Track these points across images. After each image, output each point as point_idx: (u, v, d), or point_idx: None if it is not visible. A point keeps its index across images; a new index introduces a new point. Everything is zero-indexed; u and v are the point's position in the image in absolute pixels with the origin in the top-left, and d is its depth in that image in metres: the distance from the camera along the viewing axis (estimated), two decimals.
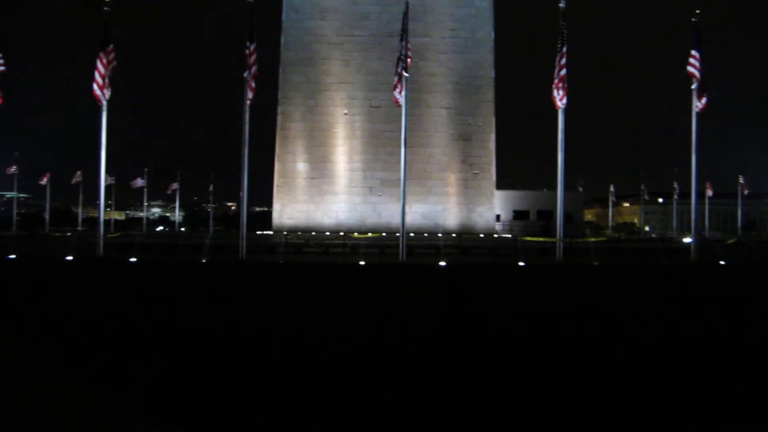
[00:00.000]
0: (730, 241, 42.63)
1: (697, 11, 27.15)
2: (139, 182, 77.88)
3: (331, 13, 51.51)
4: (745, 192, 71.32)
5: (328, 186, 51.39)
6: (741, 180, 70.57)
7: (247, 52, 27.58)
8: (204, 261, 26.69)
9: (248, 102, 28.39)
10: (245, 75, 27.88)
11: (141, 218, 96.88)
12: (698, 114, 27.73)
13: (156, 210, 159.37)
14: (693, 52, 26.69)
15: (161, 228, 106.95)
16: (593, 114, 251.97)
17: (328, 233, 45.81)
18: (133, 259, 25.44)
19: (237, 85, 28.51)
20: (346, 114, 51.37)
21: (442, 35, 51.66)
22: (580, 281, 20.76)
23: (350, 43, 51.49)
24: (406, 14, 27.31)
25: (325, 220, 50.82)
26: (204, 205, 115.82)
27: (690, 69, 26.81)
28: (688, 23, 27.50)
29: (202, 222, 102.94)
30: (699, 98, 27.22)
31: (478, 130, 51.85)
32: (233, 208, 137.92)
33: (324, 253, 33.77)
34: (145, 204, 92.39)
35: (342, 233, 42.41)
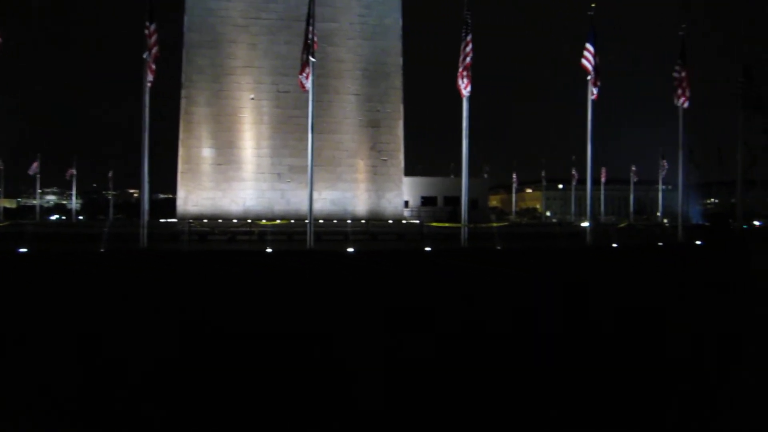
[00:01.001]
0: (622, 225, 45.27)
1: (593, 4, 28.36)
2: (35, 167, 73.54)
3: None
4: (636, 179, 75.84)
5: (234, 172, 50.23)
6: (633, 168, 74.98)
7: (146, 32, 26.41)
8: (102, 251, 25.51)
9: (148, 84, 27.22)
10: (145, 56, 26.71)
11: (34, 206, 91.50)
12: (593, 103, 29.07)
13: (51, 197, 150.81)
14: (587, 45, 27.92)
15: (56, 216, 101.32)
16: (498, 102, 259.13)
17: (235, 221, 44.91)
18: (23, 250, 23.96)
19: (139, 67, 27.27)
20: (252, 99, 50.31)
21: (351, 21, 51.46)
22: (479, 263, 21.38)
23: (257, 26, 50.36)
24: None
25: (232, 207, 49.73)
26: (104, 192, 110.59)
27: (584, 62, 28.04)
28: (586, 15, 28.67)
29: (101, 210, 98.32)
30: (593, 88, 28.55)
31: (386, 117, 52.16)
32: (135, 195, 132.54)
33: (230, 240, 33.12)
34: (39, 191, 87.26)
35: (249, 220, 41.71)
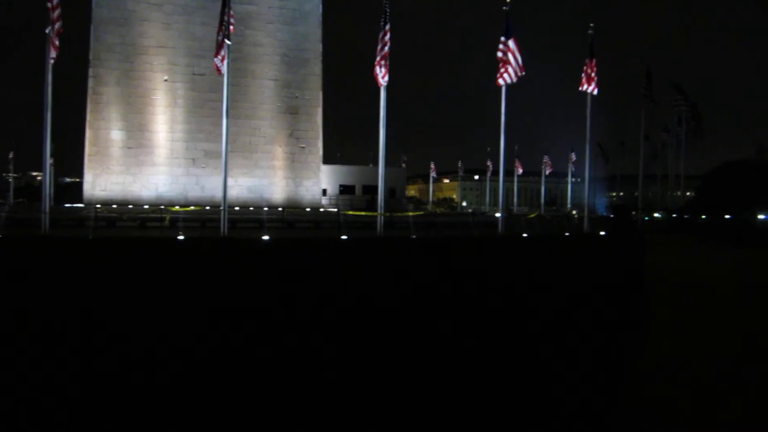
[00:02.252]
0: (532, 216, 46.92)
1: (508, 0, 29.02)
2: None
3: None
4: (548, 171, 78.67)
5: (146, 156, 48.42)
6: (545, 160, 77.68)
7: (49, 5, 24.99)
8: None
9: (51, 61, 25.75)
10: (47, 31, 25.27)
11: None
12: (507, 96, 29.83)
13: None
14: (502, 39, 28.61)
15: None
16: (418, 91, 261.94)
17: (146, 206, 43.38)
18: None
19: (43, 42, 25.72)
20: (166, 80, 48.56)
21: (270, 5, 50.44)
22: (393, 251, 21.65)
23: (171, 4, 48.51)
24: None
25: (144, 192, 47.96)
26: (4, 174, 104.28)
27: (499, 54, 28.74)
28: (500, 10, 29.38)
29: (1, 193, 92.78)
30: (506, 80, 29.27)
31: (305, 103, 51.60)
32: (39, 178, 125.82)
33: (140, 227, 32.02)
34: None
35: (162, 207, 40.42)
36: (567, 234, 31.03)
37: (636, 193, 63.08)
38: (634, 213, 50.92)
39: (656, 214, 67.74)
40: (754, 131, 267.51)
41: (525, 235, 29.37)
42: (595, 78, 32.34)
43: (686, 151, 64.59)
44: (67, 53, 26.30)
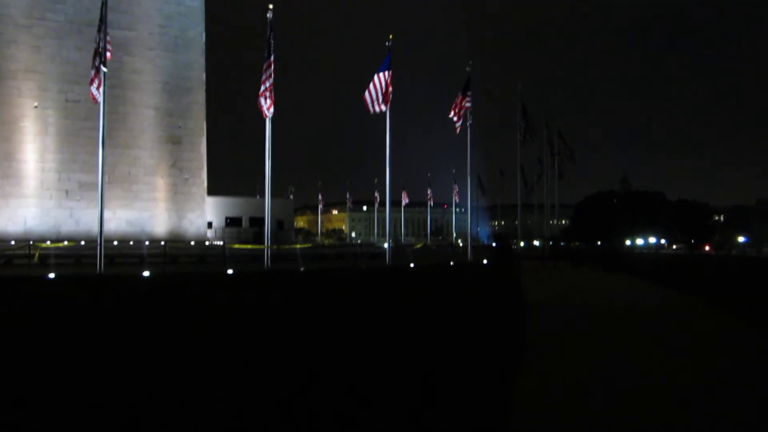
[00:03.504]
0: (418, 246, 48.09)
1: (390, 36, 29.87)
2: None
3: None
4: (432, 203, 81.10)
5: (13, 188, 45.09)
6: (429, 191, 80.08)
7: None
8: None
9: None
10: None
11: None
12: (391, 130, 30.50)
13: None
14: (380, 73, 29.14)
15: None
16: (304, 122, 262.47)
17: (13, 242, 40.22)
18: None
19: None
20: (36, 107, 45.68)
21: (150, 31, 48.95)
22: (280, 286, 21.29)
23: (42, 27, 45.87)
24: (105, 3, 25.20)
25: (10, 226, 44.50)
26: None
27: (374, 84, 29.21)
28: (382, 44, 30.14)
29: None
30: (372, 110, 29.68)
31: (188, 133, 50.21)
32: None
33: (6, 264, 29.64)
34: None
35: (31, 242, 37.61)
36: (452, 264, 31.90)
37: (516, 222, 66.14)
38: (513, 241, 53.24)
39: (535, 242, 71.30)
40: (622, 160, 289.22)
41: (411, 265, 29.88)
42: (462, 112, 34.26)
43: (559, 181, 68.61)
44: None
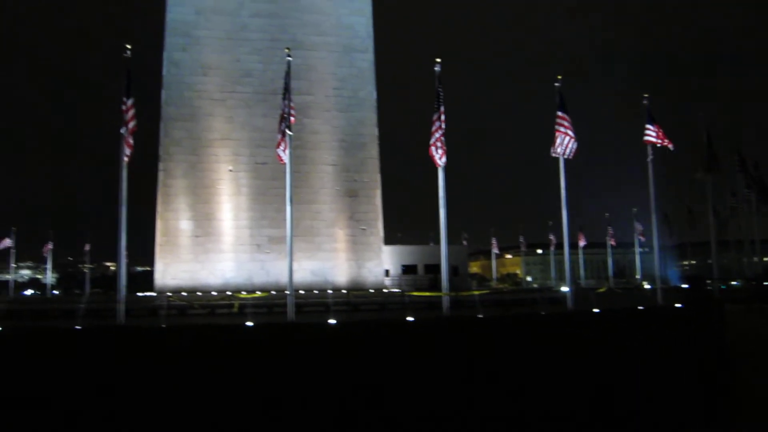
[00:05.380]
0: (602, 290, 45.52)
1: (559, 77, 29.35)
2: (7, 242, 72.75)
3: (213, 69, 51.15)
4: (613, 243, 76.73)
5: (213, 244, 49.93)
6: (610, 231, 76.03)
7: (123, 107, 26.57)
8: (78, 327, 24.80)
9: (126, 159, 27.15)
10: (122, 131, 26.77)
11: (7, 281, 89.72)
12: (566, 168, 29.60)
13: (26, 272, 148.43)
14: (558, 113, 28.74)
15: (31, 292, 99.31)
16: (474, 168, 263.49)
17: (214, 293, 44.25)
18: None
19: (116, 140, 27.21)
20: (230, 170, 50.57)
21: (326, 94, 52.53)
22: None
23: (233, 99, 51.16)
24: (288, 73, 27.50)
25: (211, 279, 49.16)
26: (80, 265, 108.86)
27: (558, 128, 28.78)
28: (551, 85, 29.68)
29: (78, 284, 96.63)
30: (563, 154, 29.14)
31: (364, 186, 52.57)
32: (112, 268, 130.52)
33: (209, 314, 32.53)
34: (13, 266, 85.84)
35: (229, 293, 41.16)
36: (641, 308, 29.77)
37: (709, 261, 60.55)
38: (708, 282, 48.75)
39: (733, 282, 64.59)
40: None
41: (596, 310, 28.35)
42: (661, 139, 31.97)
43: (757, 214, 61.96)
44: (137, 149, 27.59)
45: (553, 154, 29.35)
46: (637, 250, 74.57)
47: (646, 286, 61.44)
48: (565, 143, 28.76)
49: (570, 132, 28.72)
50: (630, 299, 39.11)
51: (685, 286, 38.02)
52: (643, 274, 76.64)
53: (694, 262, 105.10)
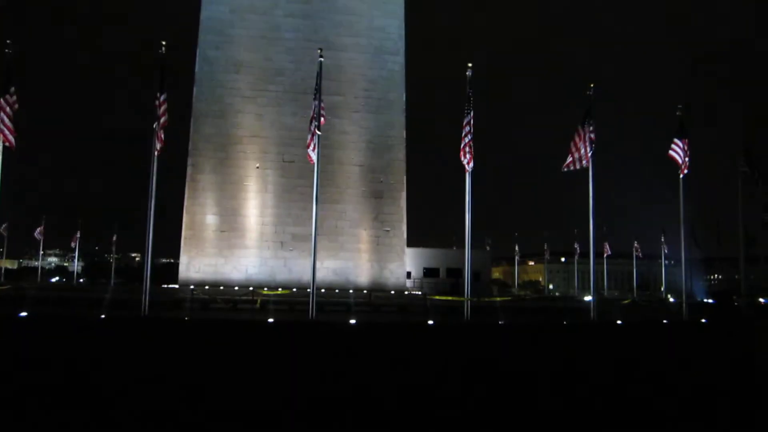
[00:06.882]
0: (626, 302, 45.05)
1: (592, 84, 28.98)
2: (40, 232, 74.53)
3: (245, 67, 51.66)
4: (639, 254, 75.86)
5: (238, 240, 50.41)
6: (635, 244, 75.24)
7: (156, 102, 26.96)
8: (102, 317, 25.24)
9: (156, 153, 27.55)
10: (154, 126, 27.17)
11: (35, 268, 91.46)
12: (594, 177, 29.27)
13: (53, 259, 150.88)
14: (585, 125, 28.39)
15: (57, 279, 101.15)
16: (500, 173, 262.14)
17: (236, 288, 44.65)
18: (23, 314, 23.71)
19: (146, 134, 27.64)
20: (258, 168, 51.00)
21: (356, 95, 52.71)
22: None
23: (264, 97, 51.60)
24: (319, 74, 27.70)
25: (234, 274, 49.63)
26: (106, 255, 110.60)
27: (576, 138, 28.40)
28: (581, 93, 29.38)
29: (103, 273, 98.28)
30: (569, 168, 28.77)
31: (389, 188, 52.63)
32: (137, 259, 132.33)
33: (232, 309, 32.87)
34: (41, 252, 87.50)
35: (251, 288, 41.51)
36: (665, 321, 29.40)
37: (737, 276, 59.54)
38: (735, 297, 47.95)
39: (761, 300, 63.51)
40: None
41: (619, 322, 28.09)
42: (687, 157, 31.23)
43: None
44: (166, 141, 27.97)
45: (564, 169, 28.90)
46: (663, 262, 73.64)
47: (671, 299, 60.59)
48: (576, 157, 28.33)
49: (586, 145, 28.15)
50: (654, 312, 38.65)
51: (710, 301, 37.49)
52: (667, 287, 75.67)
53: (720, 276, 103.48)
